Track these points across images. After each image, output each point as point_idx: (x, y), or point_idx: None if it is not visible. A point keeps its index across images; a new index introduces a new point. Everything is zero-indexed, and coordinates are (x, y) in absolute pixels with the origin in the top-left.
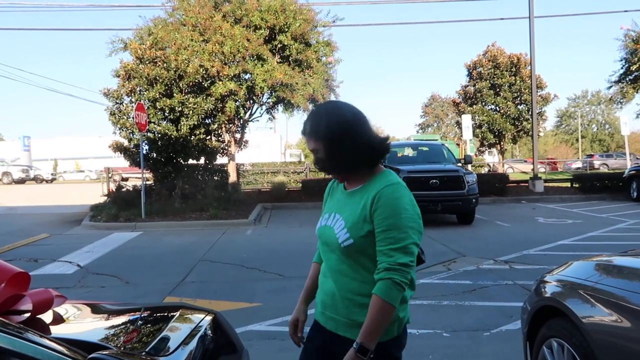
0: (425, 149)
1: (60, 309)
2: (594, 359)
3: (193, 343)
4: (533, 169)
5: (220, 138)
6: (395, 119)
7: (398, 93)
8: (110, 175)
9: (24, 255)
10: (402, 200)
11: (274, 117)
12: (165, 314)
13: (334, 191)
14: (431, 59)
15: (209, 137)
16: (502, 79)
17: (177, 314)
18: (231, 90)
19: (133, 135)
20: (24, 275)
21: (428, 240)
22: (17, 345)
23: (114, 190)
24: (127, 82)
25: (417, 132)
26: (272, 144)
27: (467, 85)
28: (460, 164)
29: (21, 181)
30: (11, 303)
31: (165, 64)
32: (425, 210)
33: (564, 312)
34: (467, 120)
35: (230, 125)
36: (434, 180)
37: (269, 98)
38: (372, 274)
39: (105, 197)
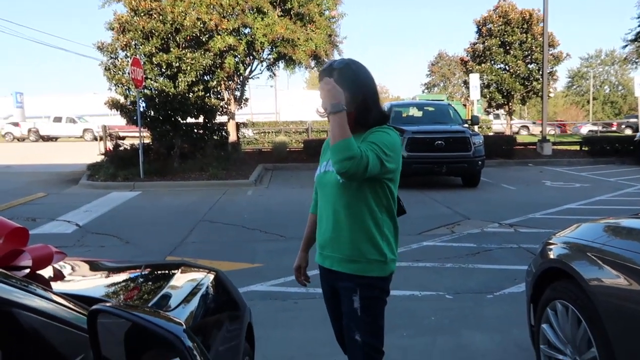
0: (430, 109)
1: (60, 266)
2: (599, 320)
3: (195, 300)
4: (542, 131)
5: (219, 95)
6: (400, 78)
7: (404, 51)
8: (107, 134)
9: (21, 214)
10: (387, 135)
11: (274, 75)
12: (167, 271)
13: (328, 145)
14: (439, 14)
15: (207, 94)
16: (512, 36)
17: (179, 271)
18: (230, 45)
19: (129, 91)
20: (22, 231)
21: (431, 202)
22: (19, 296)
23: (111, 149)
24: (121, 35)
25: (423, 92)
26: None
27: (476, 43)
28: (466, 125)
29: (22, 139)
30: (10, 258)
31: (161, 17)
32: (430, 172)
33: (570, 274)
34: (474, 80)
35: (230, 83)
36: (439, 142)
37: (269, 54)
38: (369, 207)
39: (103, 156)
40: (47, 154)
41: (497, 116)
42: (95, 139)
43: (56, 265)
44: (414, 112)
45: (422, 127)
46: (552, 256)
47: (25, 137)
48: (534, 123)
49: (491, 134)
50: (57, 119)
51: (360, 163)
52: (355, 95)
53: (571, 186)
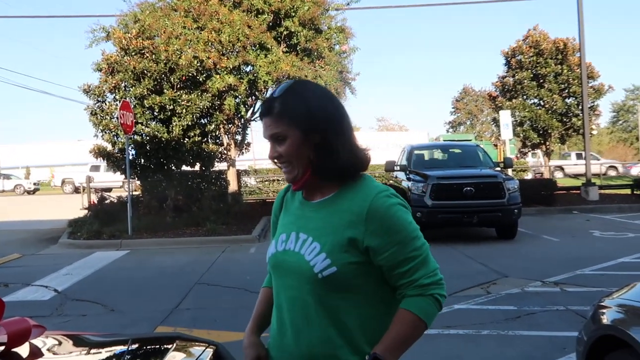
0: (457, 151)
1: (38, 341)
2: None
3: None
4: (585, 174)
5: (218, 140)
6: (421, 116)
7: (424, 86)
8: (89, 185)
9: None
10: (401, 209)
11: None
12: (158, 346)
13: (288, 203)
14: (463, 45)
15: (205, 139)
16: (546, 68)
17: (172, 346)
18: (230, 84)
19: (117, 138)
20: None
21: (462, 258)
22: None
23: (95, 202)
24: (110, 76)
25: (447, 131)
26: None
27: (505, 76)
28: (498, 168)
29: None
30: None
31: (154, 56)
32: (459, 223)
33: (628, 342)
34: (505, 117)
35: (230, 126)
36: (469, 188)
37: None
38: (353, 318)
39: (86, 211)
40: (23, 209)
41: (534, 155)
42: (76, 190)
43: (34, 342)
44: (438, 155)
45: (447, 172)
46: (606, 321)
47: None
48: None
49: (528, 177)
50: None
51: (439, 304)
52: (309, 131)
53: (624, 236)
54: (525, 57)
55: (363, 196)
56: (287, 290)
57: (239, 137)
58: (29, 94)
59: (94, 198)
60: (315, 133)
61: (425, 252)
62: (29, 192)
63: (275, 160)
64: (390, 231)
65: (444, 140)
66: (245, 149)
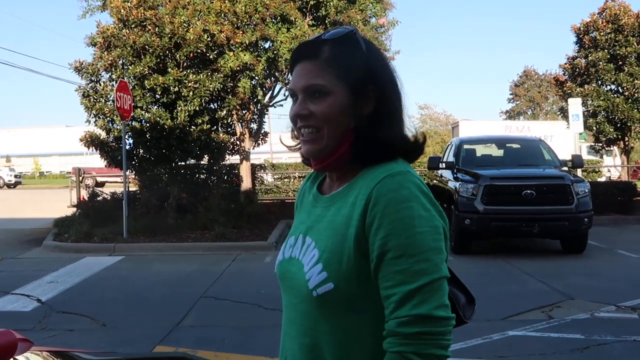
0: (515, 146)
1: (22, 358)
2: None
3: None
4: None
5: (230, 129)
6: (472, 105)
7: (476, 68)
8: (81, 178)
9: None
10: (411, 201)
11: None
12: None
13: (305, 196)
14: (524, 19)
15: (214, 127)
16: (626, 47)
17: None
18: (246, 63)
19: (113, 124)
20: None
21: (519, 275)
22: None
23: (86, 198)
24: (106, 52)
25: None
26: None
27: (576, 57)
28: (566, 168)
29: None
30: None
31: (157, 29)
32: (516, 233)
33: None
34: (575, 106)
35: (244, 112)
36: (529, 191)
37: None
38: (365, 344)
39: (75, 209)
40: (2, 206)
41: (609, 152)
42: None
43: (20, 358)
44: (493, 151)
45: (504, 171)
46: None
47: None
48: None
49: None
50: None
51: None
52: (360, 93)
53: None
54: (601, 34)
55: (372, 179)
56: (287, 310)
57: (254, 126)
58: (12, 72)
59: (84, 194)
60: (368, 99)
61: (433, 277)
62: (9, 186)
63: (299, 121)
64: (386, 229)
65: (500, 134)
66: (262, 139)
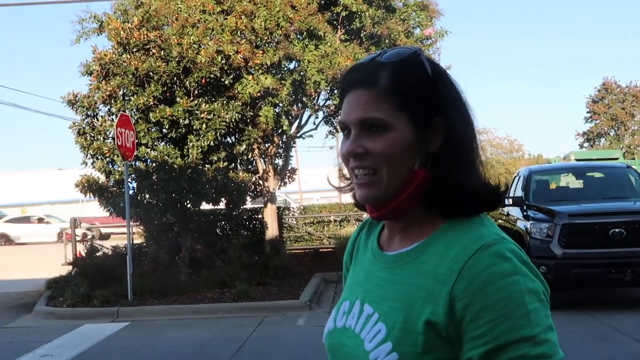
0: (598, 175)
1: None
2: None
3: None
4: None
5: (251, 167)
6: (541, 127)
7: (544, 83)
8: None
9: None
10: (516, 274)
11: (337, 130)
12: None
13: (360, 250)
14: (602, 22)
15: (232, 165)
16: None
17: None
18: (267, 88)
19: (113, 165)
20: None
21: (609, 334)
22: None
23: (83, 254)
24: (104, 82)
25: (581, 146)
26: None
27: None
28: None
29: None
30: None
31: (162, 52)
32: (604, 281)
33: None
34: None
35: (267, 146)
36: (618, 229)
37: (328, 98)
38: None
39: (70, 267)
40: None
41: None
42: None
43: None
44: (570, 181)
45: (585, 207)
46: None
47: None
48: None
49: None
50: None
51: None
52: (428, 127)
53: None
54: None
55: (460, 250)
56: None
57: (279, 162)
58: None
59: (81, 249)
60: (436, 132)
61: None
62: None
63: (352, 160)
64: (494, 308)
65: (577, 160)
66: (289, 177)
